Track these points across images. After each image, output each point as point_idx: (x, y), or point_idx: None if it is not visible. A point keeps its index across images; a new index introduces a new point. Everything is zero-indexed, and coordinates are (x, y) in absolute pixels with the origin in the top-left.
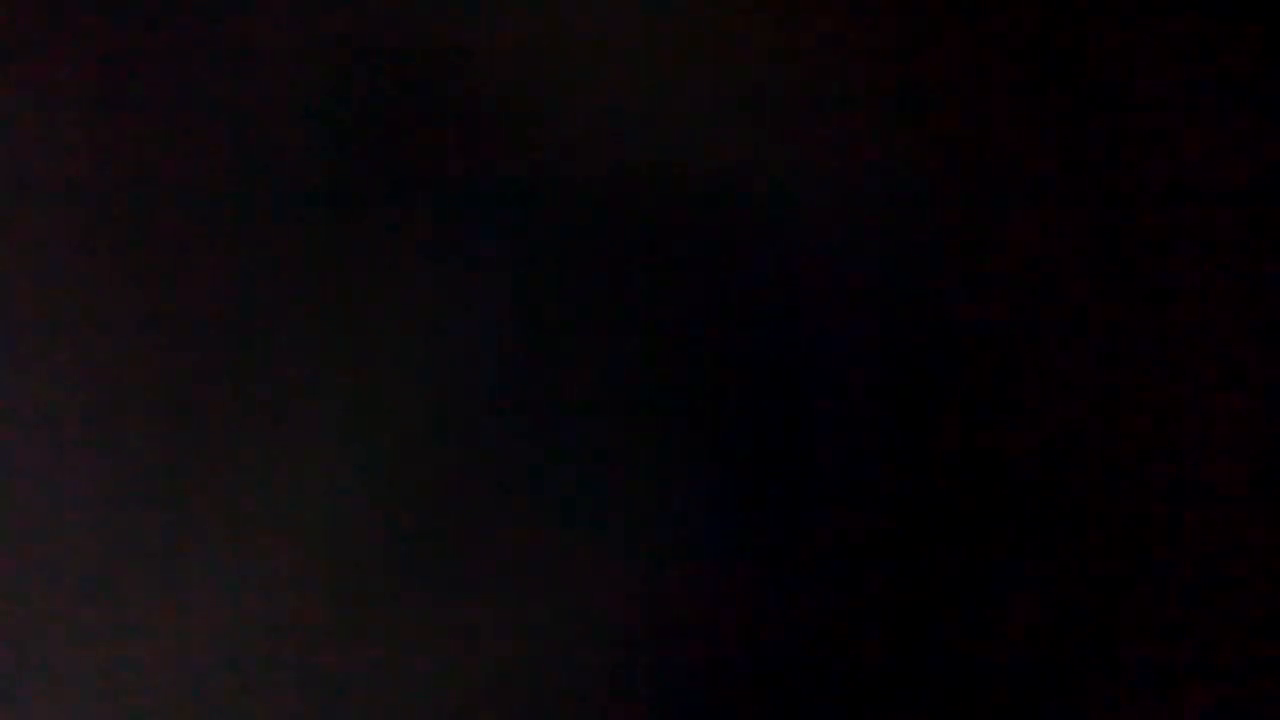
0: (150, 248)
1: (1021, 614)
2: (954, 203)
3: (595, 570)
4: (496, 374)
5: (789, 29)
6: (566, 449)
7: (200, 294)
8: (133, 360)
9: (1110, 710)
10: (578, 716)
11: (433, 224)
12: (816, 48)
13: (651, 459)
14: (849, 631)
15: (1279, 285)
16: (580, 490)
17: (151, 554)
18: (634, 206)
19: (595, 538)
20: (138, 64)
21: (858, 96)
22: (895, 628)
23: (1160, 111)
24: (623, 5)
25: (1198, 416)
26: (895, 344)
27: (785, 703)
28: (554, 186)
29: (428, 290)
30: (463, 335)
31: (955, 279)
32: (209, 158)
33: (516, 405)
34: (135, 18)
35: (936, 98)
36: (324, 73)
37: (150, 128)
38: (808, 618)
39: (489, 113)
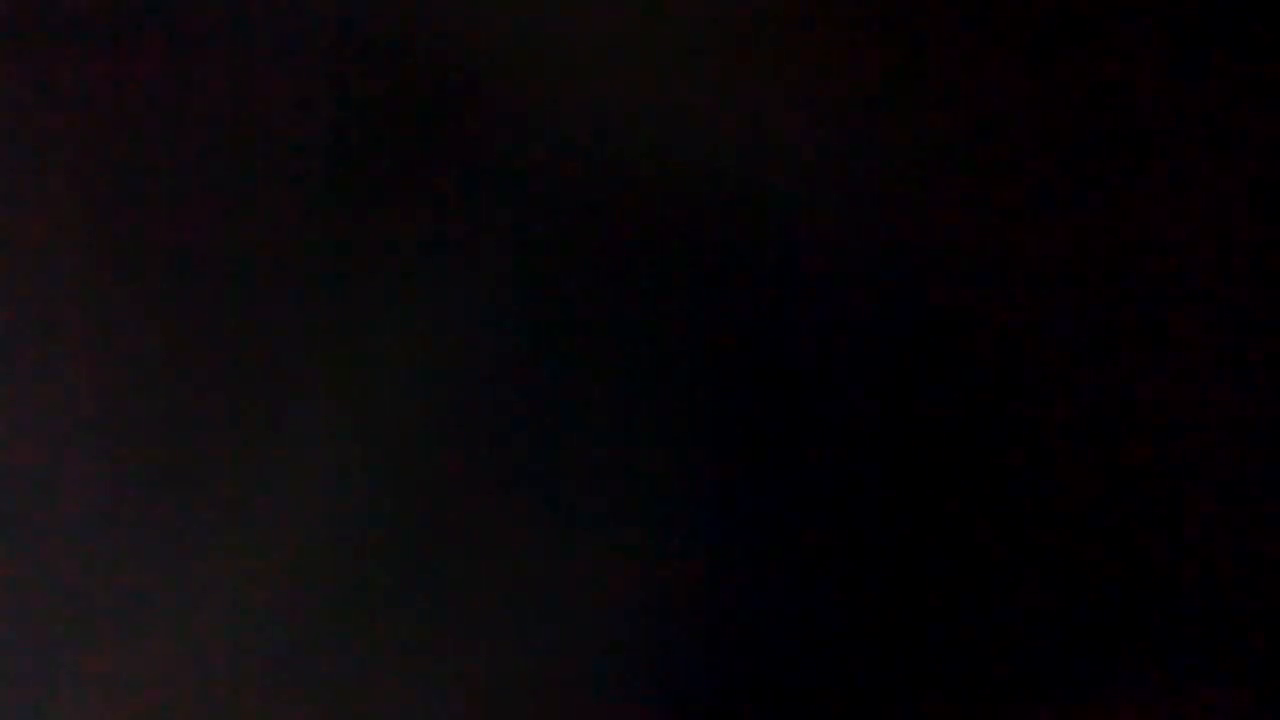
0: (150, 247)
1: (1022, 613)
2: (955, 202)
3: (596, 569)
4: (497, 373)
5: (789, 28)
6: (567, 448)
7: (200, 293)
8: (133, 360)
9: (1110, 710)
10: (579, 717)
11: (433, 223)
12: (817, 47)
13: (652, 458)
14: (850, 631)
15: (1279, 285)
16: (581, 489)
17: (152, 554)
18: (634, 206)
19: (596, 537)
20: (138, 64)
21: (858, 96)
22: (896, 627)
23: (1160, 111)
24: (623, 5)
25: (1198, 416)
26: (896, 343)
27: (786, 703)
28: (554, 185)
29: (428, 290)
30: (464, 335)
31: (956, 278)
32: (207, 158)
33: (517, 404)
34: (135, 17)
35: (937, 98)
36: (324, 72)
37: (150, 127)
38: (809, 618)
39: (489, 111)
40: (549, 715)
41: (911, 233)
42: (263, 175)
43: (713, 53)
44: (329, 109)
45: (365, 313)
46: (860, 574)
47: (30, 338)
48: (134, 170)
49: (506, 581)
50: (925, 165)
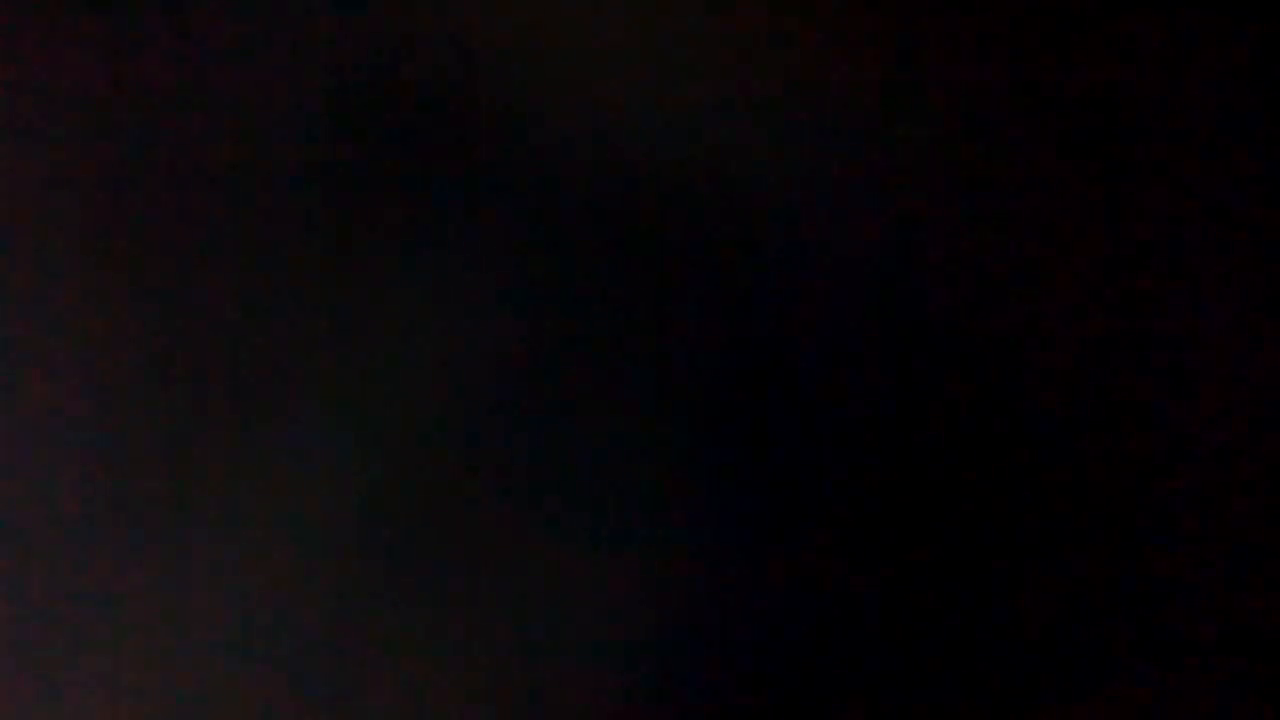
0: (150, 247)
1: (1021, 613)
2: (954, 202)
3: (596, 571)
4: (497, 374)
5: (789, 29)
6: (567, 449)
7: (200, 294)
8: (133, 360)
9: (1110, 710)
10: (579, 717)
11: (433, 224)
12: (817, 47)
13: (653, 459)
14: (850, 631)
15: (1279, 285)
16: (581, 490)
17: (151, 554)
18: (635, 206)
19: (595, 538)
20: (138, 64)
21: (857, 96)
22: (895, 627)
23: (1160, 110)
24: (623, 5)
25: (1198, 415)
26: (896, 343)
27: (786, 703)
28: (554, 186)
29: (429, 290)
30: (464, 335)
31: (956, 278)
32: (209, 158)
33: (517, 405)
34: (136, 18)
35: (936, 97)
36: (325, 73)
37: (150, 127)
38: (809, 618)
39: (490, 112)
40: (549, 715)
41: (912, 232)
42: (262, 175)
43: (712, 53)
44: (329, 109)
45: (365, 313)
46: (860, 575)
47: (30, 338)
48: (134, 170)
49: (507, 582)
50: (926, 164)
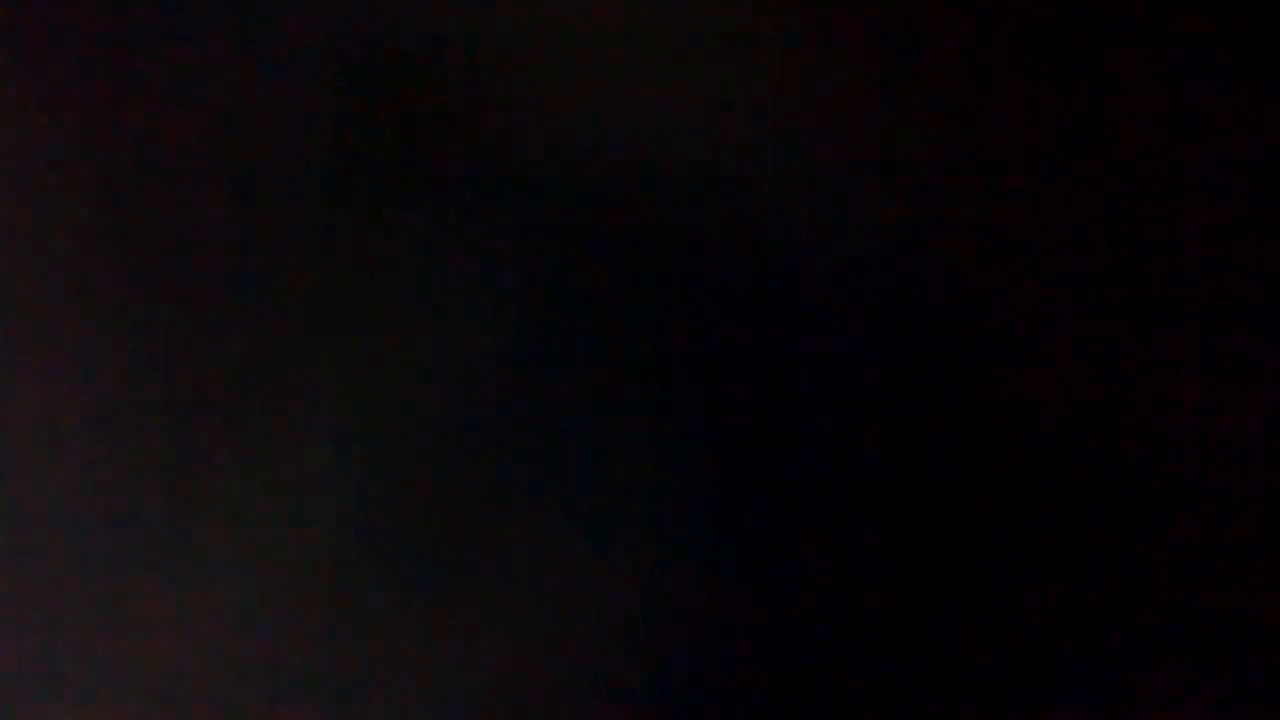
0: (150, 247)
1: (1020, 612)
2: (953, 202)
3: (596, 571)
4: (497, 374)
5: (787, 28)
6: (567, 449)
7: (201, 294)
8: (133, 360)
9: (1109, 708)
10: (577, 717)
11: (433, 224)
12: (816, 47)
13: (652, 459)
14: (849, 631)
15: (1279, 285)
16: (581, 490)
17: (152, 553)
18: (634, 206)
19: (596, 538)
20: (139, 64)
21: (856, 96)
22: (895, 627)
23: (1160, 109)
24: (622, 4)
25: (1198, 414)
26: (894, 342)
27: (785, 703)
28: (554, 186)
29: (429, 290)
30: (463, 335)
31: (955, 278)
32: (209, 157)
33: (517, 405)
34: (136, 18)
35: (936, 97)
36: (325, 72)
37: (150, 127)
38: (809, 618)
39: (489, 112)
40: (548, 716)
41: (911, 232)
42: (264, 176)
43: (712, 54)
44: (329, 109)
45: (365, 314)
46: (860, 577)
47: (30, 338)
48: (135, 170)
49: (507, 582)
50: (925, 164)
